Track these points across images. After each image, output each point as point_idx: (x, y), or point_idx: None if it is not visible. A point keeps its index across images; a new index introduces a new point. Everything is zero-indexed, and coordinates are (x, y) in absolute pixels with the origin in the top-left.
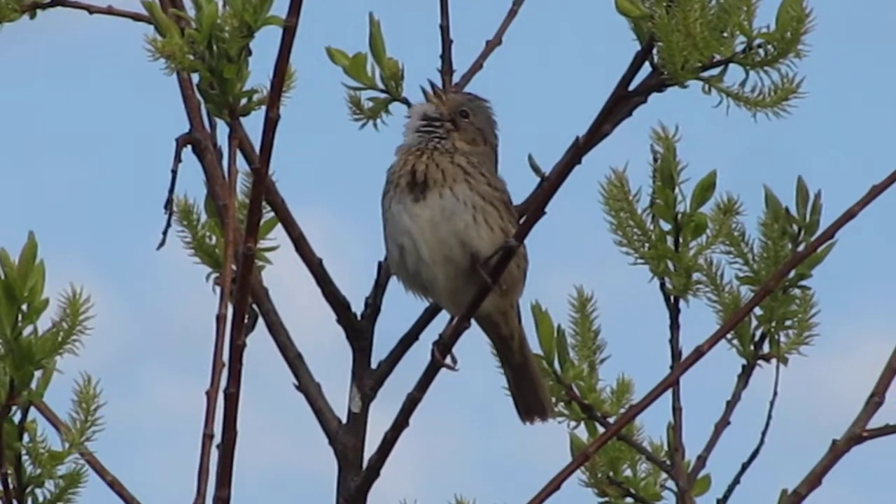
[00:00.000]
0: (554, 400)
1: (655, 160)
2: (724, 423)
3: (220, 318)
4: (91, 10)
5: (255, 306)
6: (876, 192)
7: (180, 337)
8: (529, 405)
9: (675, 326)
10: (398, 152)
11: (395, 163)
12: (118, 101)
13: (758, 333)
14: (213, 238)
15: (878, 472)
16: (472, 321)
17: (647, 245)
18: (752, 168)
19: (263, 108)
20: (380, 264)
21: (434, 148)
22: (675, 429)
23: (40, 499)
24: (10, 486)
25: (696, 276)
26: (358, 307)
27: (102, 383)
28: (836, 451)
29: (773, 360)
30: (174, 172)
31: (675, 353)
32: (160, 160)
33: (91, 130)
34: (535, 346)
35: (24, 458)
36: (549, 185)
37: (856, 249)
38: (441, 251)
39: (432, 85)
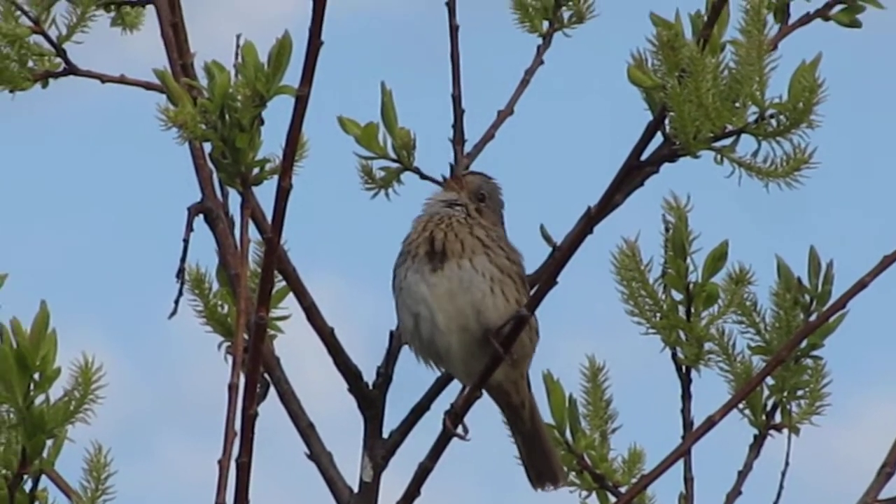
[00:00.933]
0: (566, 469)
1: (667, 230)
2: (735, 493)
3: (232, 388)
4: (103, 79)
5: (266, 375)
6: (888, 262)
7: (192, 404)
8: (541, 472)
9: (686, 396)
10: (415, 223)
11: (411, 232)
12: (130, 170)
13: (769, 403)
14: (225, 307)
15: None
16: (484, 391)
17: (658, 315)
18: (764, 238)
19: (275, 177)
20: (391, 333)
21: (453, 218)
22: (686, 499)
23: None
24: None
25: (707, 345)
26: (369, 376)
27: (114, 450)
28: None
29: (785, 430)
30: (186, 241)
31: (687, 423)
32: (172, 229)
33: (103, 199)
34: (546, 415)
35: None
36: (560, 255)
37: (866, 318)
38: (458, 320)
39: (451, 172)
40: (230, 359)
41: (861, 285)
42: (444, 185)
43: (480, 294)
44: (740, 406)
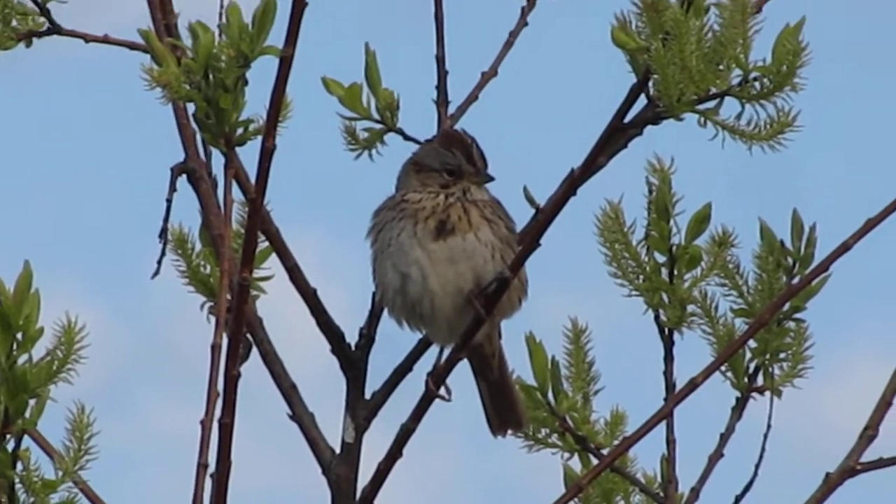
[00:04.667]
0: (548, 431)
1: (650, 192)
2: (717, 455)
3: (215, 348)
4: (87, 38)
5: (249, 336)
6: (871, 225)
7: (175, 363)
8: (505, 419)
9: (669, 358)
10: (423, 183)
11: (416, 195)
12: (114, 130)
13: (752, 366)
14: (208, 267)
15: None
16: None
17: (641, 277)
18: (747, 201)
19: (259, 137)
20: (374, 295)
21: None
22: (668, 461)
23: None
24: None
25: (690, 308)
26: (352, 337)
27: (97, 406)
28: (830, 484)
29: (767, 393)
30: (169, 202)
31: (669, 385)
32: (155, 189)
33: (86, 158)
34: (528, 376)
35: (18, 486)
36: (543, 217)
37: (850, 280)
38: (455, 283)
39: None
40: (213, 319)
41: (844, 248)
42: (476, 181)
43: (482, 260)
44: (723, 368)
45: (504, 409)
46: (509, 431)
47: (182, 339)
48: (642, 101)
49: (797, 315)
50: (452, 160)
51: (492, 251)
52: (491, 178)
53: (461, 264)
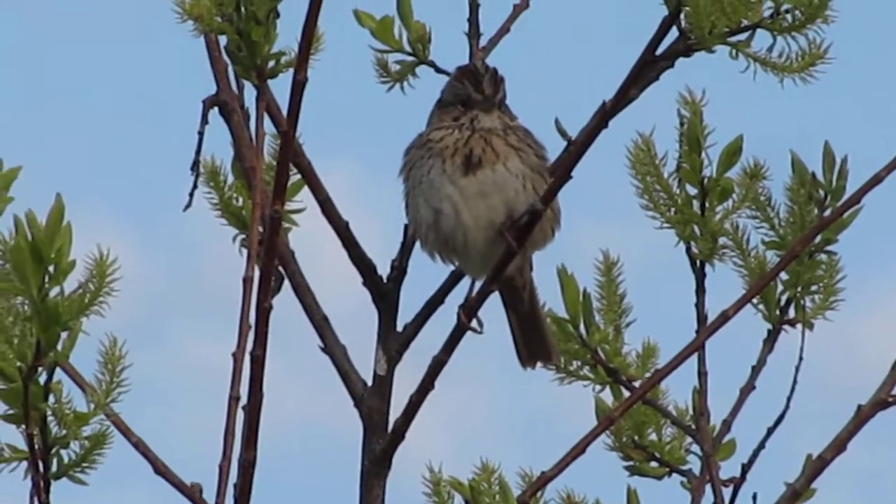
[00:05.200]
0: (579, 364)
1: (682, 124)
2: (749, 387)
3: (247, 281)
4: None
5: (281, 268)
6: None
7: (207, 295)
8: (534, 351)
9: (700, 290)
10: (440, 119)
11: (439, 133)
12: (145, 62)
13: (783, 298)
14: (240, 200)
15: None
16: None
17: (673, 209)
18: (779, 133)
19: (291, 70)
20: (406, 227)
21: (492, 132)
22: (700, 393)
23: (65, 460)
24: (36, 447)
25: (722, 240)
26: (384, 270)
27: (129, 338)
28: (862, 417)
29: (799, 325)
30: (201, 134)
31: (701, 318)
32: (187, 121)
33: (118, 91)
34: (560, 309)
35: (50, 419)
36: (575, 149)
37: (882, 211)
38: (487, 216)
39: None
40: (245, 252)
41: (876, 180)
42: (484, 108)
43: (513, 192)
44: (754, 301)
45: (534, 341)
46: (539, 364)
47: (214, 270)
48: (674, 33)
49: (829, 247)
50: (462, 91)
51: (522, 181)
52: (493, 104)
53: (493, 197)
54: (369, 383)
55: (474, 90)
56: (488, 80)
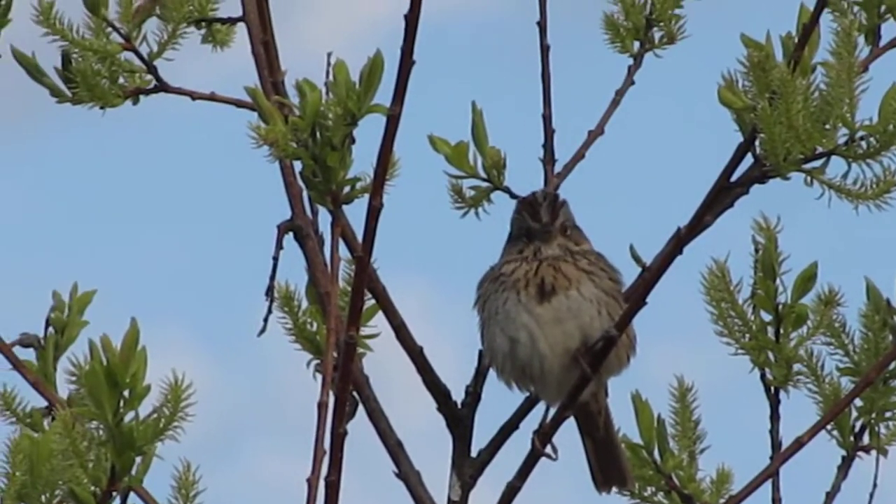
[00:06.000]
0: (653, 490)
1: (757, 251)
2: None
3: (322, 406)
4: (194, 96)
5: (355, 393)
6: None
7: (283, 417)
8: (609, 475)
9: (775, 417)
10: (509, 253)
11: (509, 266)
12: (221, 188)
13: (858, 424)
14: (314, 325)
15: None
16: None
17: (747, 335)
18: (854, 260)
19: (366, 195)
20: (480, 352)
21: (559, 259)
22: None
23: None
24: None
25: (796, 366)
26: (458, 395)
27: (203, 459)
28: None
29: (873, 452)
30: (275, 259)
31: (775, 444)
32: (262, 247)
33: (195, 216)
34: (635, 435)
35: None
36: (650, 275)
37: None
38: (563, 343)
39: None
40: (319, 377)
41: None
42: (544, 241)
43: (588, 318)
44: (828, 427)
45: (609, 466)
46: (614, 488)
47: (289, 394)
48: (748, 159)
49: None
50: (523, 223)
51: (597, 307)
52: (550, 232)
53: (568, 323)
54: None
55: (531, 220)
56: (546, 209)
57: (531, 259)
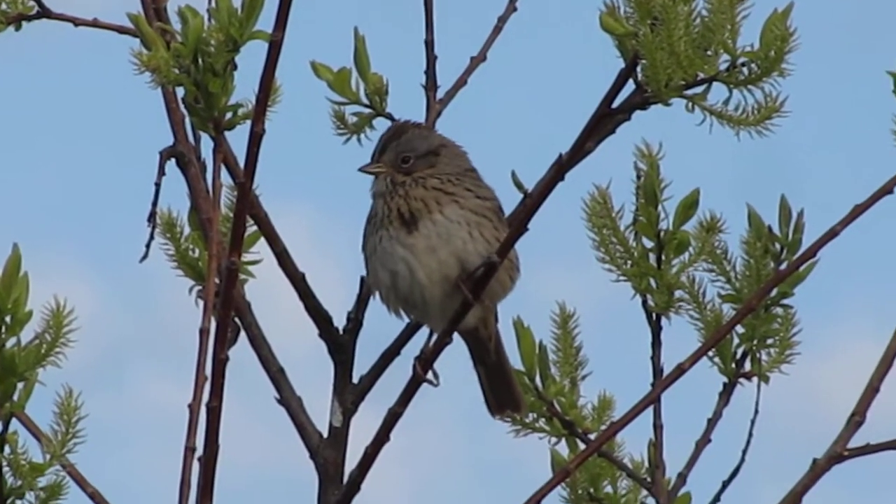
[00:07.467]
0: (535, 416)
1: (638, 177)
2: (704, 440)
3: (204, 332)
4: (76, 22)
5: (237, 320)
6: (858, 211)
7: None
8: (503, 401)
9: (656, 343)
10: (376, 200)
11: (374, 207)
12: (102, 114)
13: (739, 351)
14: (197, 251)
15: (858, 491)
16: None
17: (629, 262)
18: (735, 187)
19: (248, 122)
20: (362, 279)
21: (398, 185)
22: (655, 446)
23: None
24: None
25: (678, 293)
26: (340, 321)
27: (85, 383)
28: (817, 470)
29: (755, 378)
30: (157, 185)
31: (657, 370)
32: (144, 173)
33: (75, 142)
34: (516, 361)
35: (5, 469)
36: (531, 202)
37: (837, 265)
38: (440, 271)
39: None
40: (201, 303)
41: (832, 234)
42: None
43: (461, 242)
44: (710, 354)
45: (502, 391)
46: (508, 413)
47: (172, 320)
48: (630, 86)
49: (785, 301)
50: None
51: (468, 228)
52: (365, 169)
53: (441, 251)
54: (325, 435)
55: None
56: (380, 143)
57: (387, 196)
